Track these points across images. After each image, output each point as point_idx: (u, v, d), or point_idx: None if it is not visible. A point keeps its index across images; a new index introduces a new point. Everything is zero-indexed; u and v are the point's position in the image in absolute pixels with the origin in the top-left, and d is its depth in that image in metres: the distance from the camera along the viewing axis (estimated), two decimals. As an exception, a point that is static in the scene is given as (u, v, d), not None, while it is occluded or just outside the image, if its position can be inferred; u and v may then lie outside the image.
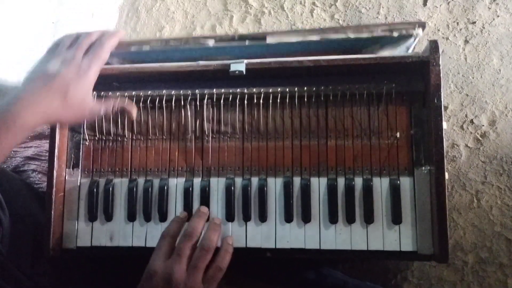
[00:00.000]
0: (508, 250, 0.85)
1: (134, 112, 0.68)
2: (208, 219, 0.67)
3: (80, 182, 0.71)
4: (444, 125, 0.62)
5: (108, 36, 0.66)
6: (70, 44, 0.65)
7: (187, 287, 0.58)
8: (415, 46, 0.73)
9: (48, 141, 0.87)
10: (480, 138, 0.89)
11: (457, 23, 0.95)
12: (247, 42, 0.67)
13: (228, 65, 0.66)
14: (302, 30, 0.69)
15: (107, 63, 0.67)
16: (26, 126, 0.59)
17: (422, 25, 0.65)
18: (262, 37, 0.67)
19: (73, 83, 0.61)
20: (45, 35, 0.69)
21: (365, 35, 0.65)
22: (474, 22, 0.94)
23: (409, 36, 0.65)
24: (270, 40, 0.67)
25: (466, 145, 0.90)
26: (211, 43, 0.68)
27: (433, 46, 0.63)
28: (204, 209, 0.66)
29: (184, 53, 0.70)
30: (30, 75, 0.63)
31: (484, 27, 0.93)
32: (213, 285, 0.61)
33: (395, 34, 0.64)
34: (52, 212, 0.67)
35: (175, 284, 0.58)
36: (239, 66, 0.66)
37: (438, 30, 0.95)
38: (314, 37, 0.66)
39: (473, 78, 0.92)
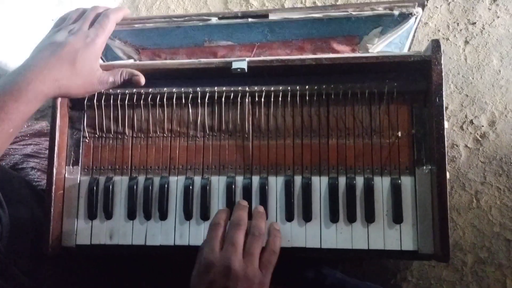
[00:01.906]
0: (507, 250, 0.85)
1: (142, 78, 0.68)
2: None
3: (80, 180, 0.70)
4: (446, 124, 0.63)
5: (114, 9, 0.68)
6: (76, 18, 0.68)
7: (246, 275, 0.57)
8: (414, 42, 0.74)
9: (47, 139, 0.87)
10: (480, 139, 0.90)
11: (457, 23, 0.95)
12: (249, 20, 0.67)
13: (230, 63, 0.66)
14: (305, 7, 0.70)
15: (110, 55, 0.67)
16: (37, 95, 0.59)
17: (422, 4, 0.65)
18: (265, 14, 0.67)
19: (80, 50, 0.63)
20: (45, 33, 0.69)
21: (366, 13, 0.66)
22: (474, 23, 0.94)
23: (409, 15, 0.65)
24: (272, 16, 0.67)
25: (466, 146, 0.90)
26: (214, 20, 0.68)
27: (435, 45, 0.63)
28: (244, 202, 0.66)
29: (187, 33, 0.71)
30: (38, 46, 0.64)
31: (484, 28, 0.94)
32: (270, 269, 0.60)
33: (396, 12, 0.65)
34: (52, 210, 0.67)
35: (234, 274, 0.57)
36: (241, 64, 0.65)
37: (439, 30, 0.95)
38: (316, 14, 0.66)
39: (473, 78, 0.92)
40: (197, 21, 0.69)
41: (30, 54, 0.63)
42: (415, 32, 0.72)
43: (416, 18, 0.67)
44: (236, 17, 0.68)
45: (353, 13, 0.66)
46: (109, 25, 0.66)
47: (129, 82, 0.68)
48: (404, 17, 0.66)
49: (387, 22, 0.68)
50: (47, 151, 0.83)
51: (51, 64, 0.61)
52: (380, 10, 0.65)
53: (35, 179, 0.82)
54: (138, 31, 0.71)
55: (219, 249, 0.59)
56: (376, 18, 0.67)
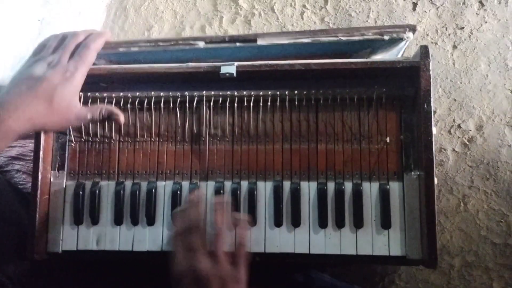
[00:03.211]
0: (493, 254, 0.86)
1: (121, 117, 0.67)
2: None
3: (65, 185, 0.69)
4: (434, 130, 0.63)
5: (95, 37, 0.65)
6: (56, 46, 0.64)
7: (217, 276, 0.57)
8: (405, 50, 0.74)
9: (32, 141, 0.86)
10: (468, 143, 0.90)
11: (446, 28, 0.95)
12: (237, 44, 0.67)
13: (219, 67, 0.65)
14: (293, 32, 0.69)
15: (94, 64, 0.66)
16: (11, 133, 0.57)
17: (413, 29, 0.65)
18: (253, 39, 0.66)
19: (59, 87, 0.60)
20: (31, 33, 0.67)
21: (356, 38, 0.65)
22: (462, 28, 0.95)
23: (399, 39, 0.65)
24: (261, 41, 0.66)
25: (454, 150, 0.90)
26: (201, 44, 0.67)
27: (424, 51, 0.63)
28: (193, 197, 0.64)
29: (173, 54, 0.69)
30: (14, 79, 0.62)
31: (472, 33, 0.94)
32: (241, 264, 0.59)
33: (386, 37, 0.65)
34: (37, 215, 0.66)
35: (204, 278, 0.56)
36: (229, 68, 0.65)
37: (427, 35, 0.96)
38: (305, 40, 0.66)
39: (461, 83, 0.93)
40: (184, 46, 0.67)
41: (7, 85, 0.61)
42: (404, 51, 0.72)
43: (406, 42, 0.67)
44: (223, 41, 0.67)
45: (343, 38, 0.65)
46: (90, 57, 0.63)
47: (109, 120, 0.67)
48: (394, 42, 0.66)
49: (377, 45, 0.68)
50: (32, 154, 0.82)
51: (27, 102, 0.59)
52: (370, 35, 0.65)
53: (20, 182, 0.80)
54: (122, 54, 0.69)
55: (184, 258, 0.58)
56: (366, 42, 0.67)
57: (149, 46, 0.68)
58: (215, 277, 0.56)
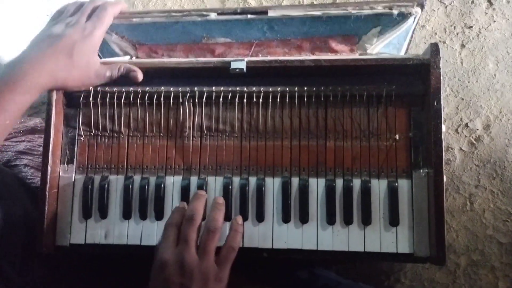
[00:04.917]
0: (499, 253, 0.86)
1: (139, 75, 0.67)
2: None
3: (74, 178, 0.69)
4: (443, 128, 0.63)
5: (111, 3, 0.68)
6: (74, 11, 0.67)
7: (201, 272, 0.57)
8: (411, 45, 0.74)
9: (40, 135, 0.86)
10: (474, 142, 0.90)
11: (454, 27, 0.95)
12: (249, 16, 0.67)
13: (229, 63, 0.65)
14: (304, 5, 0.70)
15: (106, 39, 0.67)
16: (33, 86, 0.59)
17: (421, 4, 0.65)
18: (264, 10, 0.67)
19: (78, 43, 0.62)
20: (39, 27, 0.68)
21: (365, 11, 0.66)
22: (470, 27, 0.95)
23: (408, 15, 0.66)
24: (272, 13, 0.67)
25: (461, 149, 0.90)
26: (213, 15, 0.68)
27: (434, 48, 0.63)
28: (202, 192, 0.65)
29: (185, 28, 0.70)
30: (35, 38, 0.64)
31: (480, 32, 0.94)
32: (227, 266, 0.60)
33: (395, 11, 0.65)
34: (46, 209, 0.66)
35: (189, 271, 0.57)
36: (239, 64, 0.65)
37: (435, 33, 0.96)
38: (316, 12, 0.66)
39: (468, 82, 0.92)
40: (196, 17, 0.68)
41: (27, 46, 0.63)
42: (413, 33, 0.72)
43: (414, 18, 0.67)
44: (235, 13, 0.68)
45: (352, 11, 0.66)
46: (107, 18, 0.66)
47: (127, 77, 0.67)
48: (403, 17, 0.66)
49: (386, 22, 0.68)
50: (40, 148, 0.83)
51: (48, 56, 0.61)
52: (379, 9, 0.65)
53: (28, 177, 0.81)
54: (135, 25, 0.71)
55: (173, 247, 0.59)
56: (375, 18, 0.67)
57: (162, 16, 0.69)
58: (199, 272, 0.57)
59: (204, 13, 0.68)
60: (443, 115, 0.86)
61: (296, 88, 0.66)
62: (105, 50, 0.76)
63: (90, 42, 0.63)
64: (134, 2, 1.09)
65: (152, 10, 0.70)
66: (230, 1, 1.04)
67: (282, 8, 0.68)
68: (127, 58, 0.75)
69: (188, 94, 0.68)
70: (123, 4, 0.69)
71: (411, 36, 0.73)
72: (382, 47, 0.73)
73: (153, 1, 1.08)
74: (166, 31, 0.72)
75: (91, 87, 0.68)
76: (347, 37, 0.71)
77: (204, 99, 0.68)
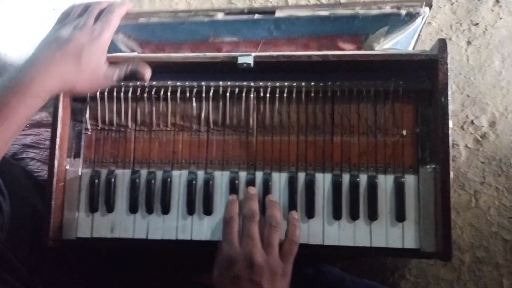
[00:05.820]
0: (504, 250, 0.86)
1: (147, 73, 0.68)
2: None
3: (81, 172, 0.70)
4: (450, 123, 0.63)
5: (118, 5, 0.67)
6: (80, 13, 0.66)
7: (269, 266, 0.58)
8: (420, 33, 0.74)
9: (47, 129, 0.86)
10: (480, 139, 0.90)
11: (460, 24, 0.95)
12: (256, 16, 0.67)
13: (236, 58, 0.65)
14: (311, 5, 0.69)
15: (113, 40, 0.67)
16: (42, 90, 0.59)
17: (429, 4, 0.65)
18: (271, 11, 0.67)
19: (86, 46, 0.62)
20: (46, 22, 0.68)
21: (373, 11, 0.66)
22: (477, 24, 0.94)
23: (416, 14, 0.65)
24: (279, 13, 0.66)
25: (466, 146, 0.90)
26: (220, 16, 0.67)
27: (442, 44, 0.63)
28: (253, 190, 0.66)
29: (192, 28, 0.70)
30: (42, 41, 0.63)
31: (486, 29, 0.94)
32: (290, 260, 0.61)
33: (403, 11, 0.65)
34: (52, 202, 0.66)
35: (258, 267, 0.58)
36: (247, 59, 0.65)
37: (441, 30, 0.96)
38: (323, 12, 0.66)
39: (474, 79, 0.92)
40: (203, 17, 0.68)
41: (34, 49, 0.62)
42: (420, 31, 0.72)
43: (423, 17, 0.67)
44: (242, 13, 0.68)
45: (360, 11, 0.66)
46: (114, 20, 0.65)
47: (134, 73, 0.67)
48: (411, 17, 0.66)
49: (394, 22, 0.67)
50: (46, 142, 0.83)
51: (56, 60, 0.60)
52: (387, 9, 0.65)
53: (35, 170, 0.81)
54: (142, 25, 0.70)
55: (238, 243, 0.60)
56: (383, 17, 0.67)
57: (169, 17, 0.69)
58: (267, 268, 0.58)
59: (211, 13, 0.68)
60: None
61: (303, 83, 0.66)
62: (111, 48, 0.76)
63: (98, 45, 0.63)
64: (140, -2, 1.09)
65: (159, 11, 0.70)
66: (236, -2, 1.04)
67: (290, 8, 0.68)
68: (134, 54, 0.75)
69: (195, 89, 0.68)
70: (128, 5, 0.69)
71: (419, 35, 0.73)
72: (389, 46, 0.73)
73: (159, -3, 1.08)
74: (173, 30, 0.71)
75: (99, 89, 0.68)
76: (354, 36, 0.71)
77: (211, 94, 0.68)
